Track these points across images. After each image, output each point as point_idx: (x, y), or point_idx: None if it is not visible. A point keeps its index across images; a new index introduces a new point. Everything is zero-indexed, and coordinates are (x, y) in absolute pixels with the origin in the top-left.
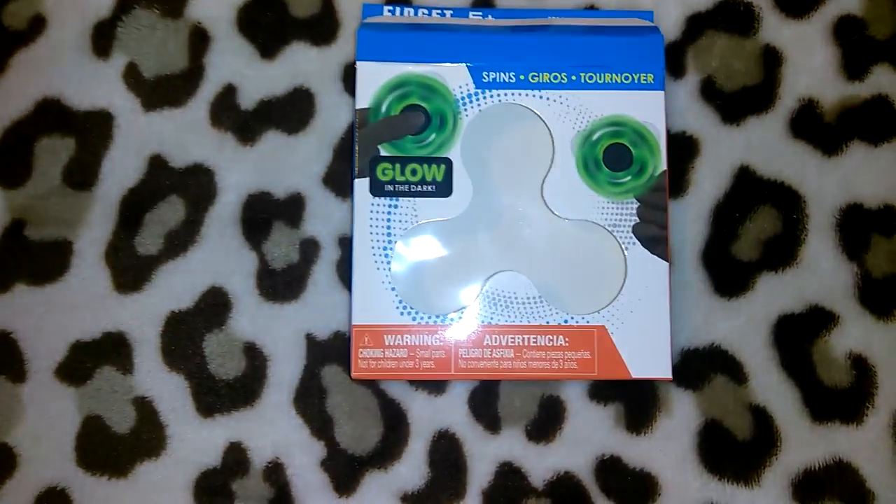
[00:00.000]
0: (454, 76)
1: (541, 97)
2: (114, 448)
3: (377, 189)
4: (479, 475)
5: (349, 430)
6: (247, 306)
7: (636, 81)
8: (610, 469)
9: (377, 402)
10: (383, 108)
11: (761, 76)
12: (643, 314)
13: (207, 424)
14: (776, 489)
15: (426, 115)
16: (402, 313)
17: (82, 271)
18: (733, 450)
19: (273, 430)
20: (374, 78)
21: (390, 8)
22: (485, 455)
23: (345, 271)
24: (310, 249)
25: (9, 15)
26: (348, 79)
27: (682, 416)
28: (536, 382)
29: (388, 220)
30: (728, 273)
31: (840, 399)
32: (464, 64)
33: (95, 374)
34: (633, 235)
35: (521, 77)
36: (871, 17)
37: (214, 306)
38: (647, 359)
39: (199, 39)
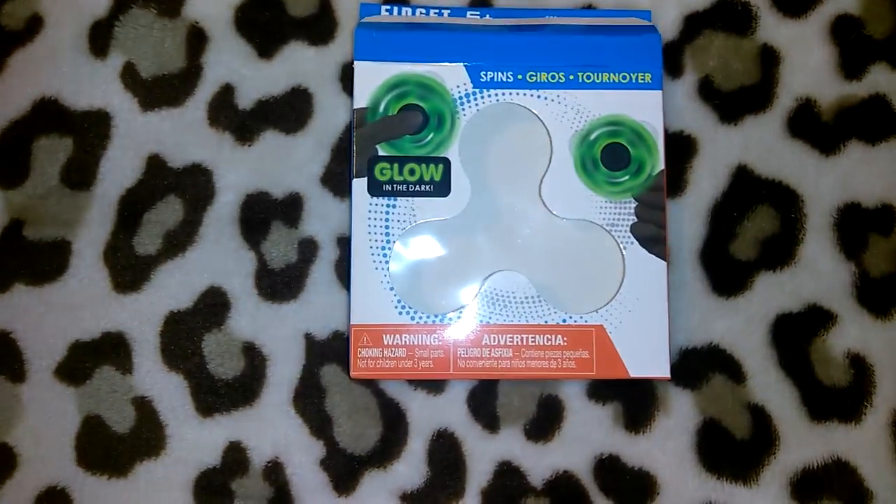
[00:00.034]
0: (452, 76)
1: (538, 97)
2: (114, 448)
3: (375, 189)
4: (478, 474)
5: (348, 430)
6: (246, 306)
7: (634, 81)
8: (609, 468)
9: (376, 401)
10: (381, 108)
11: (759, 75)
12: (641, 313)
13: (207, 424)
14: (775, 488)
15: (424, 114)
16: (400, 313)
17: (81, 271)
18: (732, 449)
19: (272, 429)
20: (371, 77)
21: (388, 7)
22: (484, 454)
23: (343, 271)
24: (308, 249)
25: (6, 15)
26: (346, 78)
27: (680, 416)
28: (535, 382)
29: (387, 219)
30: (726, 272)
31: (838, 398)
32: (461, 63)
33: (95, 374)
34: (631, 235)
35: (519, 77)
36: (868, 16)
37: (213, 306)
38: (646, 358)
39: (197, 39)
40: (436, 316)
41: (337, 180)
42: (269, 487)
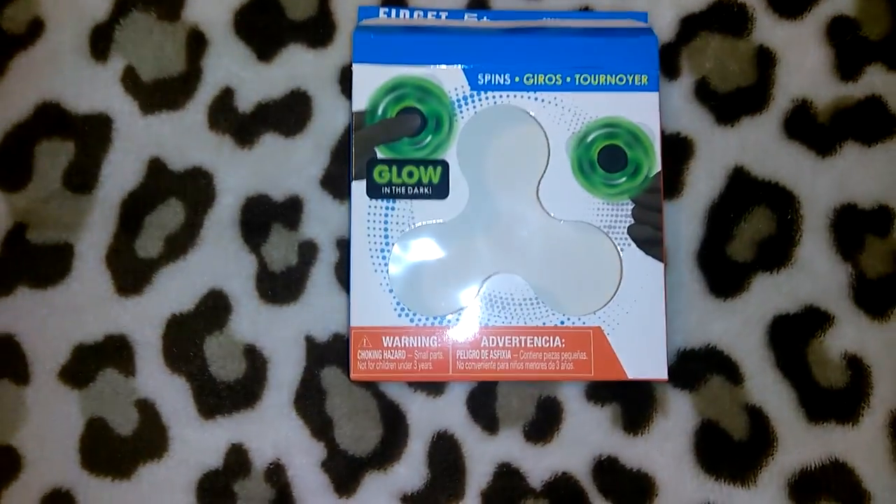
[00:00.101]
0: (450, 78)
1: (536, 99)
2: (117, 450)
3: (374, 191)
4: (478, 476)
5: (349, 432)
6: (246, 308)
7: (630, 83)
8: (607, 469)
9: (376, 403)
10: (380, 111)
11: (755, 77)
12: (639, 315)
13: (209, 426)
14: (772, 489)
15: (422, 117)
16: (399, 315)
17: (83, 274)
18: (730, 450)
19: (273, 431)
20: (370, 80)
21: (386, 10)
22: (483, 456)
23: (343, 273)
24: (308, 251)
25: (7, 19)
26: (345, 81)
27: (678, 417)
28: (534, 383)
29: (385, 222)
30: (723, 274)
31: (836, 399)
32: (459, 66)
33: (98, 377)
34: (628, 236)
35: (517, 79)
36: (864, 17)
37: (214, 309)
38: (643, 360)
39: (196, 42)
40: (435, 318)
41: (336, 183)
42: (270, 489)
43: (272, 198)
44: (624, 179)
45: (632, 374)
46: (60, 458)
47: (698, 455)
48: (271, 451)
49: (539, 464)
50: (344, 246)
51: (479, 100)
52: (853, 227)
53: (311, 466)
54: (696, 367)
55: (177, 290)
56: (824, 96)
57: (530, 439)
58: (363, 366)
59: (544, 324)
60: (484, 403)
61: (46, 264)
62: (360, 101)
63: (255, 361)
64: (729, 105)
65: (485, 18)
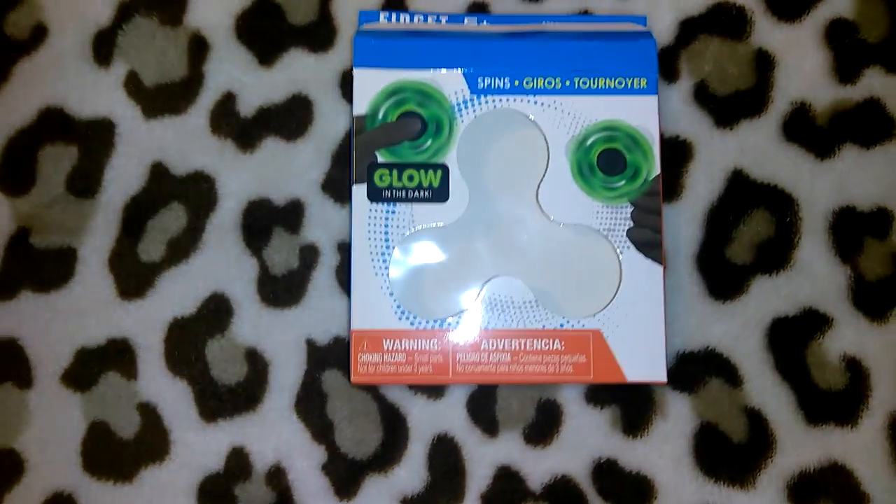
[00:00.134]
0: (450, 82)
1: (535, 102)
2: (119, 453)
3: (375, 195)
4: (478, 479)
5: (349, 435)
6: (248, 312)
7: (630, 86)
8: (607, 472)
9: (377, 406)
10: (380, 115)
11: (754, 80)
12: (638, 318)
13: (210, 429)
14: (771, 491)
15: (422, 121)
16: (400, 318)
17: (86, 278)
18: (729, 452)
19: (274, 434)
20: (370, 84)
21: (386, 14)
22: (483, 459)
23: (344, 277)
24: (309, 255)
25: (11, 24)
26: (346, 85)
27: (677, 419)
28: (534, 386)
29: (386, 225)
30: (722, 276)
31: (835, 401)
32: (459, 70)
33: (100, 380)
34: (627, 239)
35: (516, 83)
36: (862, 19)
37: (216, 312)
38: (643, 362)
39: (198, 47)
40: (435, 321)
41: (337, 186)
42: (271, 492)
43: (273, 202)
44: (623, 182)
45: (631, 376)
46: (62, 461)
47: (697, 457)
48: (272, 454)
49: (539, 466)
50: (345, 249)
51: (479, 103)
52: (852, 229)
53: (312, 469)
54: (695, 369)
55: (179, 293)
56: (823, 99)
57: (530, 442)
58: (364, 369)
59: (544, 326)
60: (484, 406)
61: (49, 268)
62: (361, 106)
63: (257, 365)
64: (728, 108)
65: (484, 22)
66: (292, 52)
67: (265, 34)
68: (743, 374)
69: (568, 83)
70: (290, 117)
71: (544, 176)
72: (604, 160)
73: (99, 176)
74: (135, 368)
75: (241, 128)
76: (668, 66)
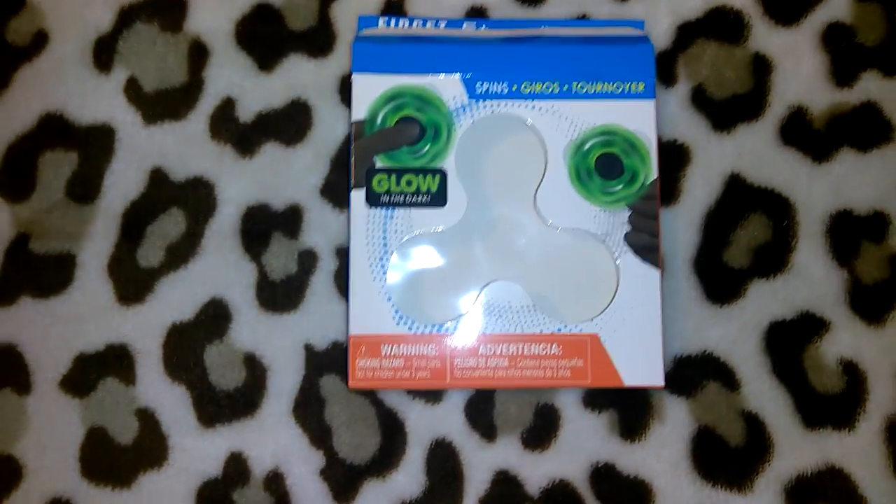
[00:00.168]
0: (448, 87)
1: (533, 107)
2: (117, 459)
3: (373, 200)
4: (476, 483)
5: (347, 439)
6: (246, 317)
7: (627, 91)
8: (604, 476)
9: (375, 411)
10: (379, 120)
11: (751, 84)
12: (635, 322)
13: (208, 435)
14: (769, 495)
15: (421, 126)
16: (398, 323)
17: (85, 284)
18: (726, 456)
19: (273, 439)
20: (369, 90)
21: (385, 20)
22: (481, 463)
23: (342, 282)
24: (308, 260)
25: (12, 31)
26: (345, 90)
27: (675, 423)
28: (531, 391)
29: (384, 230)
30: (719, 280)
31: (832, 405)
32: (457, 75)
33: (99, 386)
34: (625, 244)
35: (514, 87)
36: (859, 23)
37: (215, 317)
38: (640, 366)
39: (198, 53)
40: (433, 326)
41: (336, 191)
42: (269, 497)
43: (272, 207)
44: (621, 187)
45: (629, 380)
46: (61, 467)
47: (695, 461)
48: (270, 459)
49: (537, 471)
50: (343, 254)
51: (477, 108)
52: (849, 233)
53: (310, 474)
54: (692, 373)
55: (177, 299)
56: (820, 103)
57: (528, 446)
58: (362, 374)
59: (542, 331)
60: (482, 411)
61: (49, 274)
62: (360, 111)
63: (255, 370)
64: (725, 112)
65: (483, 28)
66: (292, 57)
67: (265, 40)
68: (740, 377)
69: (566, 88)
70: (290, 123)
71: (542, 180)
72: (601, 164)
73: (99, 182)
74: (133, 374)
75: (240, 133)
76: (665, 70)
